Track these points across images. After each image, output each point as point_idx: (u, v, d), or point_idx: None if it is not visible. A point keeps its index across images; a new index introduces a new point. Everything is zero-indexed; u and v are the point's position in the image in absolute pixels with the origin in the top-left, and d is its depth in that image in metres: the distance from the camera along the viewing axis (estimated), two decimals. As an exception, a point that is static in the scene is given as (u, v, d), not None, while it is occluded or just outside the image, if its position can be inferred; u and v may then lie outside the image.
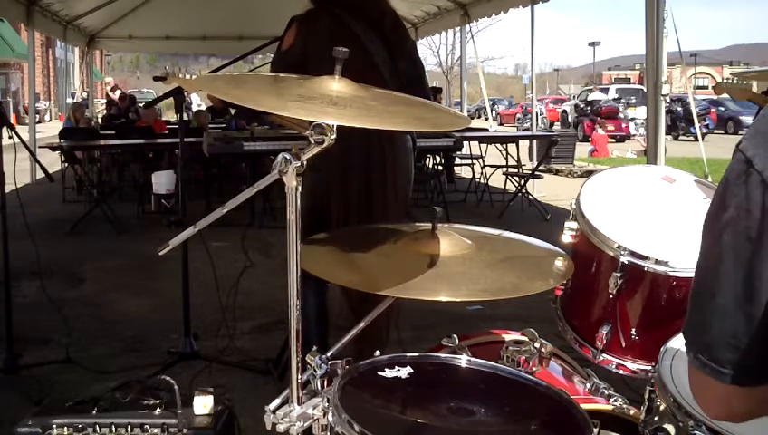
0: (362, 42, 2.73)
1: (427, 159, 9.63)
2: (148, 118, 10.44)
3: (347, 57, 1.37)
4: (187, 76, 3.16)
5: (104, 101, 24.02)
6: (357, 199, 2.76)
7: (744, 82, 4.68)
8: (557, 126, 27.89)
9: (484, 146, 9.57)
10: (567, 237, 1.82)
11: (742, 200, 0.85)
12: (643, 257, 1.68)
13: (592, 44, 48.25)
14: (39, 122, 16.21)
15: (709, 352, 0.90)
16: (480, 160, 9.46)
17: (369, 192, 2.77)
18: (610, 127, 21.21)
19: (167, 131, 9.90)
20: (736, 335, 0.87)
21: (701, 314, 0.91)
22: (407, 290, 1.33)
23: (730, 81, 4.74)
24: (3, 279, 3.49)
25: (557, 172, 12.77)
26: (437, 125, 1.50)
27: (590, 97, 25.31)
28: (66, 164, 9.01)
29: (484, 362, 1.48)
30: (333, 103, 1.28)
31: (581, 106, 24.46)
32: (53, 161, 8.96)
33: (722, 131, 24.11)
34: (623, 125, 22.09)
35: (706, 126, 21.52)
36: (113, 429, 2.01)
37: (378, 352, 1.45)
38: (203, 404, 2.09)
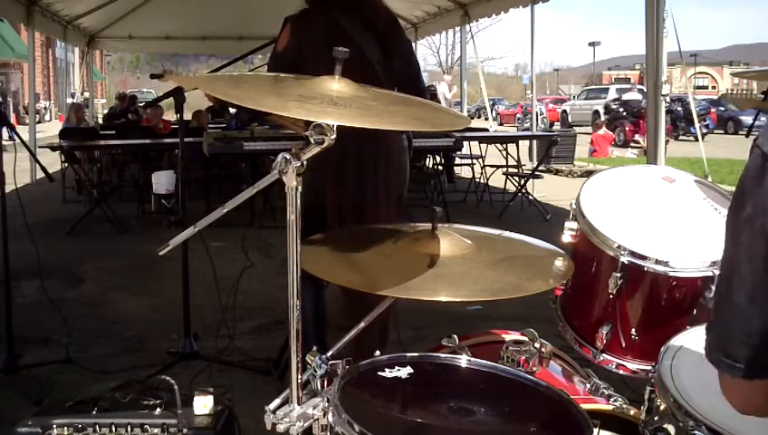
0: (357, 42, 2.73)
1: (427, 159, 9.63)
2: (155, 117, 10.45)
3: (346, 57, 1.37)
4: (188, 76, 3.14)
5: (104, 101, 23.97)
6: (350, 198, 2.76)
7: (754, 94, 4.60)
8: (557, 126, 27.88)
9: (484, 146, 9.57)
10: (567, 237, 1.82)
11: (758, 198, 0.85)
12: (643, 257, 1.68)
13: (592, 44, 48.35)
14: (39, 122, 16.21)
15: (724, 349, 0.90)
16: (480, 160, 9.46)
17: (362, 190, 2.77)
18: None
19: (168, 131, 9.89)
20: (750, 333, 0.87)
21: (719, 310, 0.91)
22: (407, 290, 1.33)
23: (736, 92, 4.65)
24: (3, 279, 3.49)
25: (557, 172, 12.77)
26: (437, 125, 1.50)
27: (626, 97, 22.72)
28: (66, 164, 9.02)
29: (484, 362, 1.48)
30: (333, 103, 1.28)
31: (615, 108, 21.92)
32: (53, 161, 8.96)
33: (722, 131, 24.12)
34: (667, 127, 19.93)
35: (706, 126, 21.35)
36: (113, 429, 2.00)
37: (378, 352, 1.45)
38: (203, 404, 2.09)
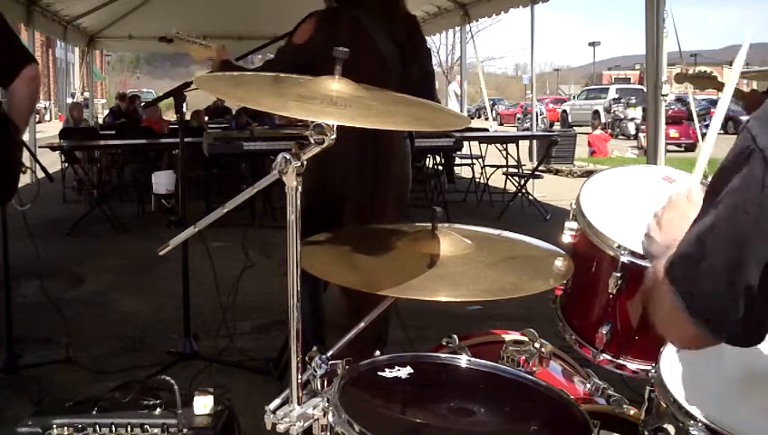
0: (379, 46, 2.73)
1: (427, 159, 9.64)
2: (152, 117, 10.45)
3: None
4: (198, 41, 3.01)
5: (104, 101, 23.88)
6: (352, 200, 2.76)
7: (707, 71, 4.52)
8: (557, 126, 27.88)
9: (484, 146, 9.57)
10: (567, 237, 1.82)
11: (743, 175, 0.88)
12: (643, 257, 1.68)
13: (592, 44, 48.40)
14: (39, 122, 16.21)
15: (693, 301, 0.96)
16: (480, 160, 9.47)
17: (363, 193, 2.76)
18: (674, 133, 17.61)
19: (167, 131, 9.88)
20: (718, 297, 0.93)
21: (691, 269, 0.96)
22: (407, 290, 1.33)
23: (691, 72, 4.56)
24: (3, 279, 3.49)
25: (557, 172, 12.77)
26: (437, 125, 1.50)
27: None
28: (66, 164, 9.02)
29: (484, 362, 1.48)
30: (333, 103, 1.28)
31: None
32: (53, 161, 8.95)
33: (722, 131, 24.05)
34: (690, 131, 17.56)
35: (706, 126, 21.33)
36: (113, 429, 2.00)
37: (378, 352, 1.45)
38: (203, 404, 2.09)
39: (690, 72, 4.46)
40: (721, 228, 0.91)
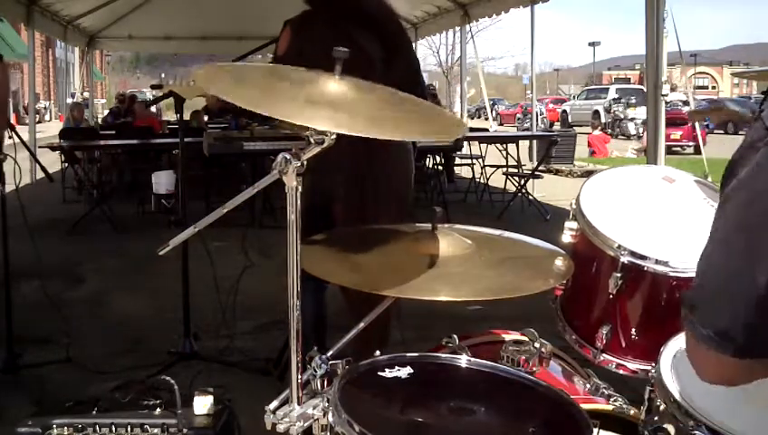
0: (360, 43, 2.72)
1: (427, 159, 9.64)
2: (142, 116, 10.46)
3: (347, 57, 1.37)
4: (190, 84, 3.11)
5: (104, 101, 23.86)
6: (352, 199, 2.76)
7: (719, 104, 4.55)
8: (557, 126, 27.89)
9: (484, 146, 9.58)
10: (567, 237, 1.82)
11: (752, 167, 0.84)
12: (643, 257, 1.68)
13: (592, 44, 48.43)
14: (39, 122, 16.21)
15: (713, 325, 0.90)
16: (480, 160, 9.47)
17: (364, 191, 2.75)
18: (676, 135, 17.18)
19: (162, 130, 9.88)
20: (737, 307, 0.87)
21: (705, 282, 0.91)
22: (407, 290, 1.33)
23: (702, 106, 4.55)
24: (3, 279, 3.49)
25: (557, 172, 12.78)
26: (432, 133, 1.49)
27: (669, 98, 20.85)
28: (66, 164, 9.02)
29: (484, 362, 1.48)
30: (333, 106, 1.28)
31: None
32: (53, 161, 8.96)
33: (722, 131, 24.09)
34: (694, 134, 15.42)
35: (706, 126, 21.29)
36: (113, 429, 2.00)
37: (378, 352, 1.45)
38: (203, 404, 2.08)
39: (703, 109, 4.48)
40: (727, 228, 0.86)
